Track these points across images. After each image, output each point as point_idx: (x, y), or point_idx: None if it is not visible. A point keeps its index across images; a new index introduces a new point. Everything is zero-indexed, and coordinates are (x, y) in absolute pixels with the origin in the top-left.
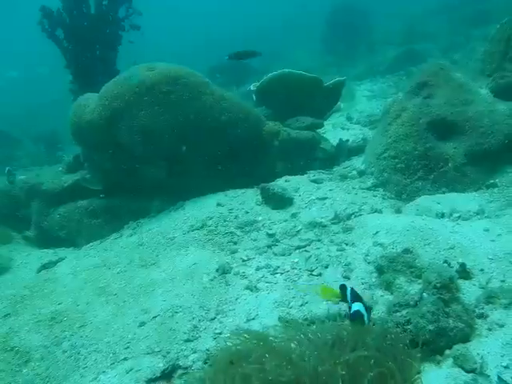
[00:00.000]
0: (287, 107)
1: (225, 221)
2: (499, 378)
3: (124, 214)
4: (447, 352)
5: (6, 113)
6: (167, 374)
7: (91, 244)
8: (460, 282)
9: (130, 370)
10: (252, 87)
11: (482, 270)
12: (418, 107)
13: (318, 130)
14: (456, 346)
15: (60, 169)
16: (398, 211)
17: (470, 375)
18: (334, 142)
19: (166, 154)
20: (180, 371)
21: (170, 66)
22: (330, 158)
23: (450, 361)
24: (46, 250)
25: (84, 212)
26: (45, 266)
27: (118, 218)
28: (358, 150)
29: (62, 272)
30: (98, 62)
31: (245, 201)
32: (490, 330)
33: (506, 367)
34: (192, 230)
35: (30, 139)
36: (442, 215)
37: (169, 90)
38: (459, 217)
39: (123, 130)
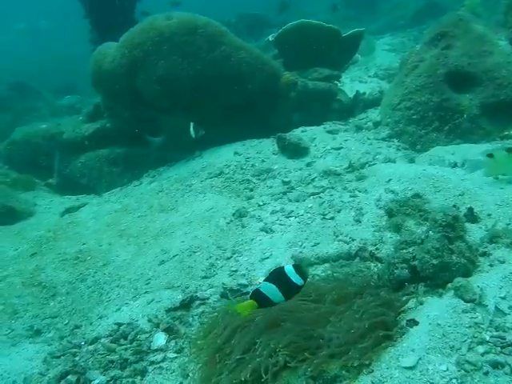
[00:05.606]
0: (305, 58)
1: (242, 169)
2: (496, 307)
3: (143, 163)
4: (449, 285)
5: (21, 65)
6: (186, 304)
7: (112, 191)
8: (467, 225)
9: (151, 301)
10: (270, 38)
11: (489, 214)
12: (435, 58)
13: (335, 82)
14: (457, 279)
15: (80, 118)
16: (412, 161)
17: (469, 304)
18: (351, 94)
19: (183, 104)
20: (198, 302)
21: (187, 16)
22: (346, 110)
23: (451, 293)
24: (67, 196)
25: (104, 160)
26: (68, 211)
27: (137, 167)
28: (374, 102)
29: (84, 216)
30: (117, 11)
31: (261, 150)
32: (491, 266)
33: (503, 298)
34: (210, 178)
35: (48, 91)
36: (455, 165)
37: (187, 40)
38: None
39: (142, 79)
